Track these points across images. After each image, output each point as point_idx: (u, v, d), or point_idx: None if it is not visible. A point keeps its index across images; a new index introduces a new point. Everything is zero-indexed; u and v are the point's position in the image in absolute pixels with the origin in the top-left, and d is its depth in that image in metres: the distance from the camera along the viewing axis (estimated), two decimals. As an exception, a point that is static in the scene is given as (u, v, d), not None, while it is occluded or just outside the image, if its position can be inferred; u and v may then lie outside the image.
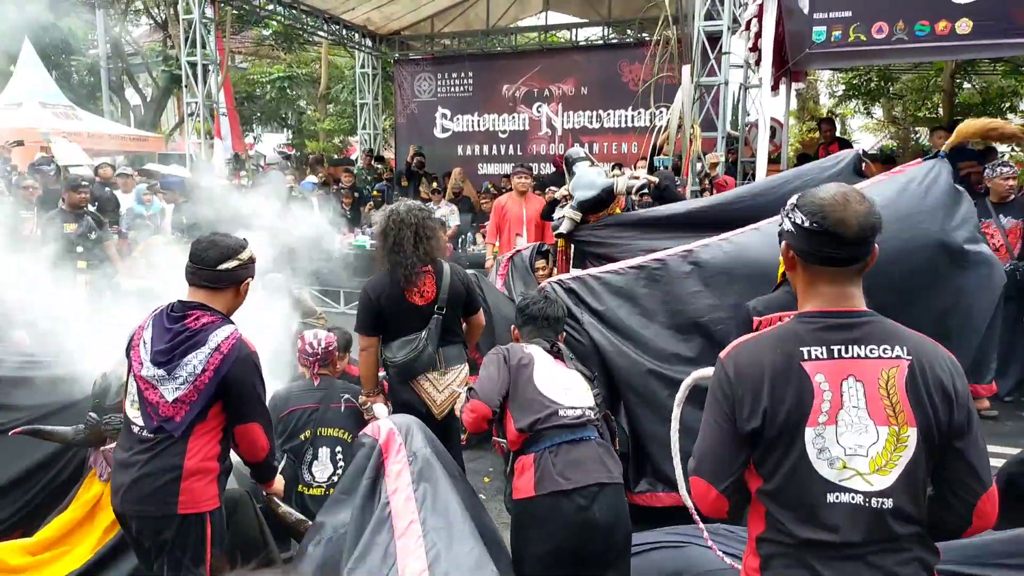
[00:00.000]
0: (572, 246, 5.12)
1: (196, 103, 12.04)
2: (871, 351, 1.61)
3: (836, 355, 1.61)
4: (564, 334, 3.30)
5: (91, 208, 7.59)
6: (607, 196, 4.90)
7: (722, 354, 1.74)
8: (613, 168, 5.73)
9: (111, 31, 19.44)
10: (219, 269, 2.58)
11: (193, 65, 11.86)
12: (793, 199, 1.70)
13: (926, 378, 1.59)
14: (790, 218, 1.69)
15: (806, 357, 1.62)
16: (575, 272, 4.22)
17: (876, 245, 1.64)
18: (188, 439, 2.51)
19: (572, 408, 2.70)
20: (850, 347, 1.62)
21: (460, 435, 3.90)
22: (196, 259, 2.58)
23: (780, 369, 1.62)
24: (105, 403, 3.19)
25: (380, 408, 3.59)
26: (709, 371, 1.82)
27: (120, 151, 14.24)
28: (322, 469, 3.70)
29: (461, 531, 2.48)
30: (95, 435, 3.05)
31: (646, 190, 5.17)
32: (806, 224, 1.63)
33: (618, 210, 5.19)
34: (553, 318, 3.11)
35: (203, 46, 11.78)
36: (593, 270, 4.14)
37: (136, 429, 2.55)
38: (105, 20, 17.90)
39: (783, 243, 1.74)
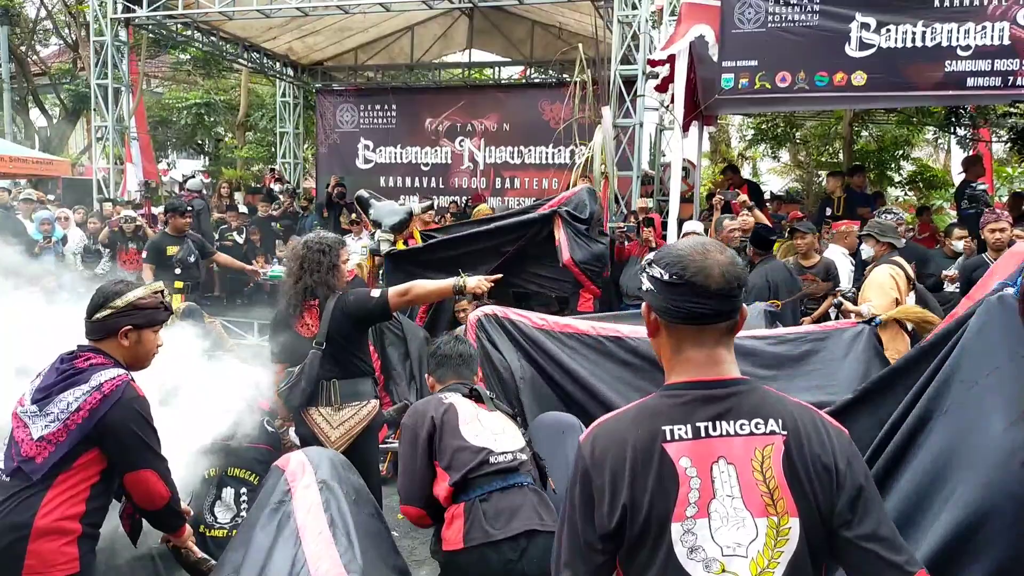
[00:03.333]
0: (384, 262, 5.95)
1: (106, 127, 11.62)
2: (741, 427, 1.37)
3: (703, 434, 1.36)
4: (480, 373, 3.32)
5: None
6: (409, 217, 5.94)
7: (582, 436, 1.49)
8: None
9: (16, 49, 18.60)
10: (92, 320, 2.47)
11: (104, 88, 11.47)
12: (649, 256, 1.51)
13: (804, 456, 1.35)
14: (648, 274, 1.47)
15: (668, 437, 1.36)
16: (503, 310, 4.21)
17: (744, 304, 1.47)
18: (47, 490, 2.28)
19: (503, 453, 2.65)
20: (718, 423, 1.37)
21: (376, 468, 3.83)
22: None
23: (641, 452, 1.37)
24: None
25: (292, 432, 3.51)
26: None
27: (23, 174, 13.54)
28: (225, 510, 3.57)
29: (370, 554, 2.45)
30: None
31: None
32: (665, 277, 1.41)
33: (416, 231, 6.36)
34: (467, 355, 3.09)
35: (115, 68, 11.42)
36: (519, 317, 4.15)
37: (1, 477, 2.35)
38: (10, 38, 17.14)
39: (644, 305, 1.52)
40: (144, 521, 2.67)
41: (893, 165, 15.42)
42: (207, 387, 3.44)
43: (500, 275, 3.79)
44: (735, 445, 1.36)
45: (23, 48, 20.06)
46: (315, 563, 2.33)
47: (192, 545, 2.78)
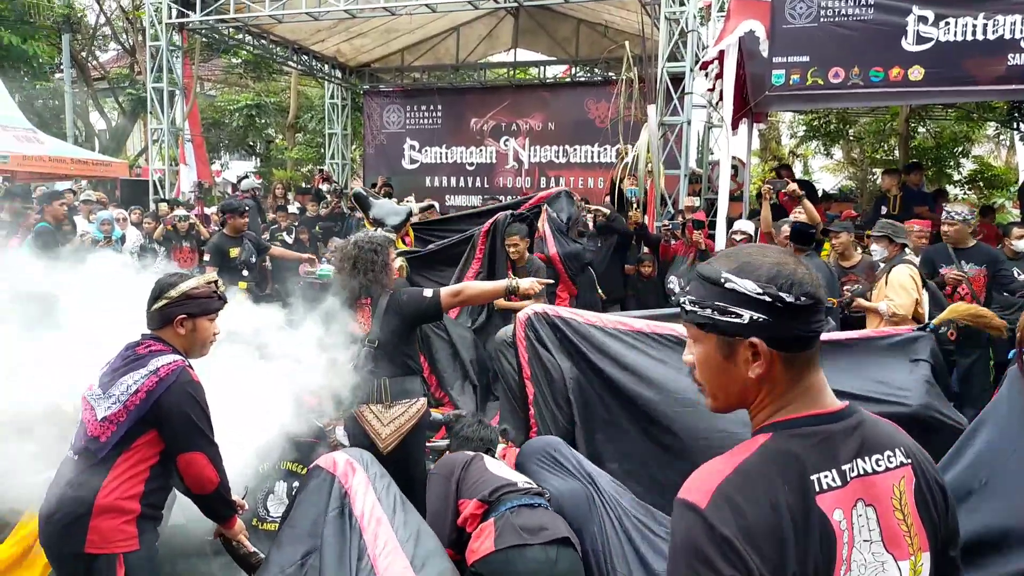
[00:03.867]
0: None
1: (161, 129, 11.94)
2: (878, 462, 1.21)
3: (848, 477, 1.17)
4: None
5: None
6: (408, 217, 6.07)
7: (694, 496, 1.13)
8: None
9: (77, 55, 19.25)
10: (151, 310, 2.62)
11: (159, 92, 11.79)
12: (735, 277, 1.21)
13: (928, 482, 1.26)
14: (763, 299, 1.19)
15: (819, 488, 1.14)
16: (554, 308, 4.19)
17: None
18: (109, 469, 2.42)
19: (527, 483, 2.80)
20: (857, 462, 1.19)
21: (422, 467, 3.86)
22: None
23: (797, 512, 1.11)
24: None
25: (339, 430, 3.57)
26: None
27: (84, 175, 14.02)
28: (277, 504, 3.63)
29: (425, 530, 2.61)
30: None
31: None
32: (791, 299, 1.17)
33: (409, 229, 6.52)
34: (488, 439, 3.22)
35: (170, 72, 11.72)
36: (571, 315, 4.07)
37: (69, 454, 2.51)
38: (72, 44, 17.75)
39: (743, 342, 1.21)
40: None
41: (952, 163, 14.96)
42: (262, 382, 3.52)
43: (550, 280, 3.78)
44: (875, 484, 1.19)
45: (84, 54, 20.75)
46: (373, 543, 2.48)
47: (243, 538, 2.84)
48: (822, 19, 7.27)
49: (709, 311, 1.23)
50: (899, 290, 4.85)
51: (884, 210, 8.76)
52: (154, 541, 2.53)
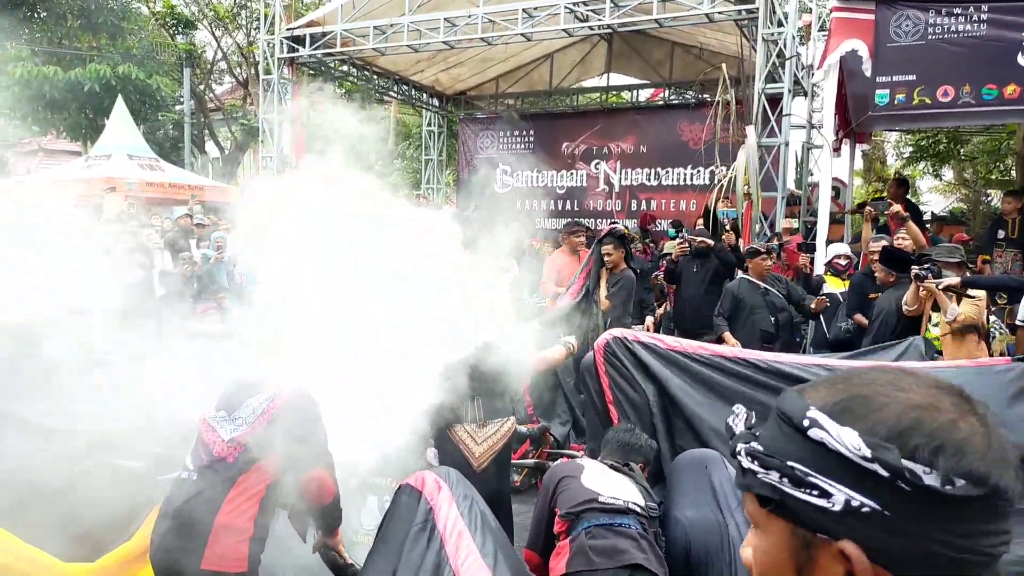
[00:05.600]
0: None
1: (270, 157, 12.61)
2: None
3: None
4: (646, 463, 3.29)
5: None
6: None
7: None
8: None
9: (196, 88, 20.61)
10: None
11: (270, 121, 12.48)
12: (829, 421, 0.71)
13: None
14: (874, 471, 0.68)
15: None
16: (632, 333, 4.18)
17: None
18: (230, 489, 2.51)
19: (613, 497, 2.73)
20: None
21: (509, 482, 3.92)
22: None
23: None
24: (170, 440, 3.34)
25: (431, 452, 3.65)
26: None
27: (200, 200, 14.98)
28: (369, 517, 3.75)
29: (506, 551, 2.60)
30: (160, 471, 3.18)
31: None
32: (936, 482, 0.66)
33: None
34: (637, 446, 3.17)
35: (280, 102, 12.40)
36: (651, 339, 4.04)
37: (184, 475, 2.60)
38: (191, 78, 19.03)
39: (828, 546, 0.71)
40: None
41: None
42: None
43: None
44: None
45: (201, 87, 22.21)
46: (455, 555, 2.51)
47: (342, 549, 2.96)
48: (930, 36, 7.02)
49: (777, 476, 0.73)
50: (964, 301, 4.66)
51: (1002, 234, 8.27)
52: (258, 565, 2.62)
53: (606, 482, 2.82)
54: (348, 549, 3.57)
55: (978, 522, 0.67)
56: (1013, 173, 14.09)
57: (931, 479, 0.65)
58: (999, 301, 6.12)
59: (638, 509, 2.73)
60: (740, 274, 6.45)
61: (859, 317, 5.69)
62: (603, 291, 5.89)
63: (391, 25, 11.33)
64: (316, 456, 2.62)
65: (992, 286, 5.53)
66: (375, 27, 11.40)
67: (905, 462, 0.66)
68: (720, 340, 6.02)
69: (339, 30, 11.67)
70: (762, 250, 6.32)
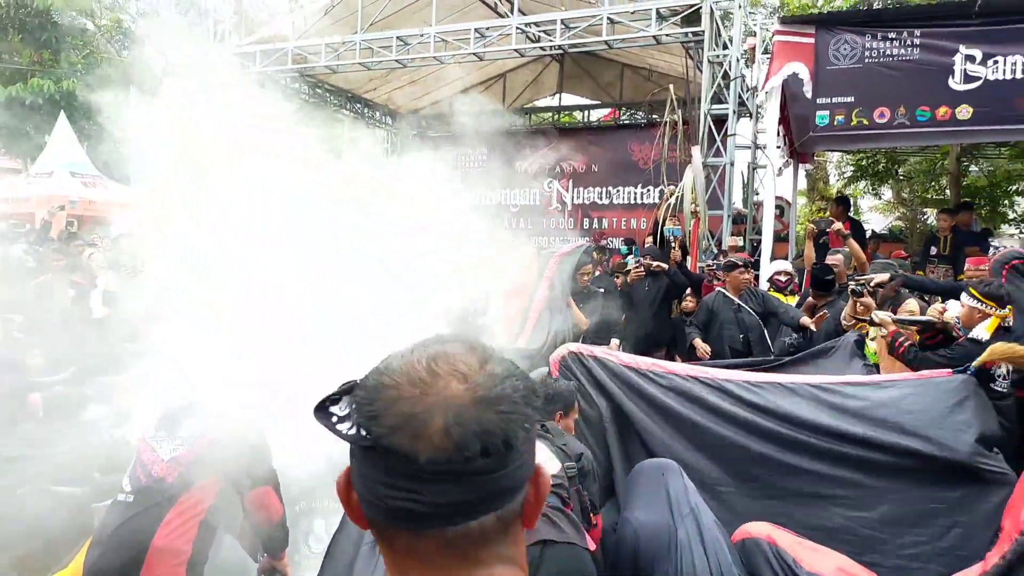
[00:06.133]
0: None
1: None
2: None
3: None
4: (562, 415, 3.30)
5: None
6: None
7: None
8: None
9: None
10: None
11: (218, 139, 12.29)
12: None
13: None
14: (343, 419, 0.83)
15: None
16: (588, 348, 4.19)
17: (525, 484, 0.84)
18: (168, 510, 2.45)
19: None
20: None
21: None
22: None
23: None
24: (110, 465, 3.24)
25: None
26: None
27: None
28: (316, 541, 3.69)
29: None
30: (98, 496, 3.08)
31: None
32: (352, 431, 0.81)
33: None
34: (552, 396, 3.18)
35: (228, 121, 12.22)
36: (605, 355, 4.05)
37: (121, 497, 2.52)
38: (138, 95, 18.66)
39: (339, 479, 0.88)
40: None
41: (1006, 201, 14.59)
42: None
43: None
44: None
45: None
46: None
47: (289, 572, 2.90)
48: (866, 60, 7.29)
49: None
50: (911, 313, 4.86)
51: (934, 251, 8.60)
52: None
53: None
54: (296, 573, 3.51)
55: (375, 471, 0.80)
56: (948, 192, 14.67)
57: (345, 427, 0.81)
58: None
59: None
60: (718, 287, 6.49)
61: (805, 320, 5.74)
62: (575, 308, 5.94)
63: (343, 43, 11.30)
64: (261, 475, 2.59)
65: (925, 288, 5.71)
66: (327, 44, 11.36)
67: (334, 414, 0.83)
68: (692, 347, 6.12)
69: (291, 47, 11.59)
70: (739, 263, 6.25)
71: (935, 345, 4.53)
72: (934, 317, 4.71)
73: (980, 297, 4.28)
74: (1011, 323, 4.05)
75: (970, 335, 4.23)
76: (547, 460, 2.80)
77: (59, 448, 3.79)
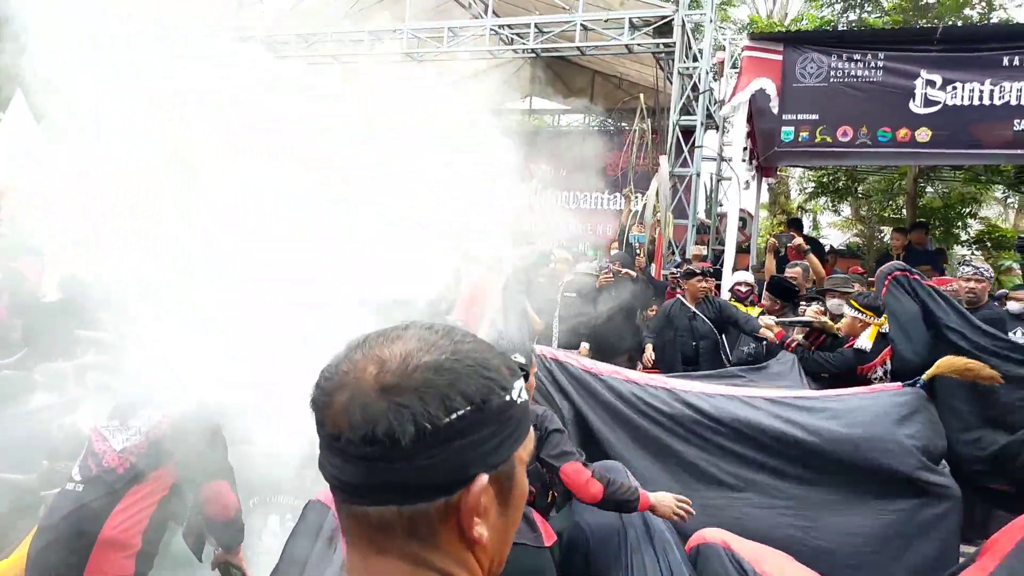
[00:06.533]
0: None
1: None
2: None
3: None
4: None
5: None
6: None
7: None
8: None
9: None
10: None
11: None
12: None
13: None
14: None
15: None
16: (551, 351, 4.21)
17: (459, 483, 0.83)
18: (119, 501, 2.41)
19: None
20: None
21: None
22: None
23: None
24: (60, 452, 3.16)
25: None
26: None
27: None
28: (271, 537, 3.64)
29: None
30: (47, 484, 3.00)
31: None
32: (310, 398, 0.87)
33: None
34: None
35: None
36: (567, 359, 4.09)
37: (70, 487, 2.47)
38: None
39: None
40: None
41: (960, 223, 15.03)
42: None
43: None
44: None
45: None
46: None
47: (244, 565, 2.86)
48: (832, 79, 7.46)
49: None
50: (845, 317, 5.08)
51: (890, 268, 8.80)
52: None
53: None
54: (249, 568, 3.45)
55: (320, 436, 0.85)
56: (904, 211, 15.07)
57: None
58: None
59: None
60: (678, 294, 6.55)
61: (764, 331, 5.79)
62: (531, 311, 5.95)
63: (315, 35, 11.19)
64: (215, 468, 2.55)
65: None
66: (298, 36, 11.24)
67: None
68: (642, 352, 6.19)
69: (260, 37, 11.43)
70: (697, 271, 6.31)
71: (821, 346, 5.05)
72: (812, 317, 5.20)
73: (859, 308, 4.77)
74: (888, 330, 4.35)
75: (856, 346, 4.66)
76: None
77: (5, 434, 3.68)
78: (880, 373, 4.39)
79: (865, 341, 4.64)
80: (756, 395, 3.83)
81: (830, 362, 4.72)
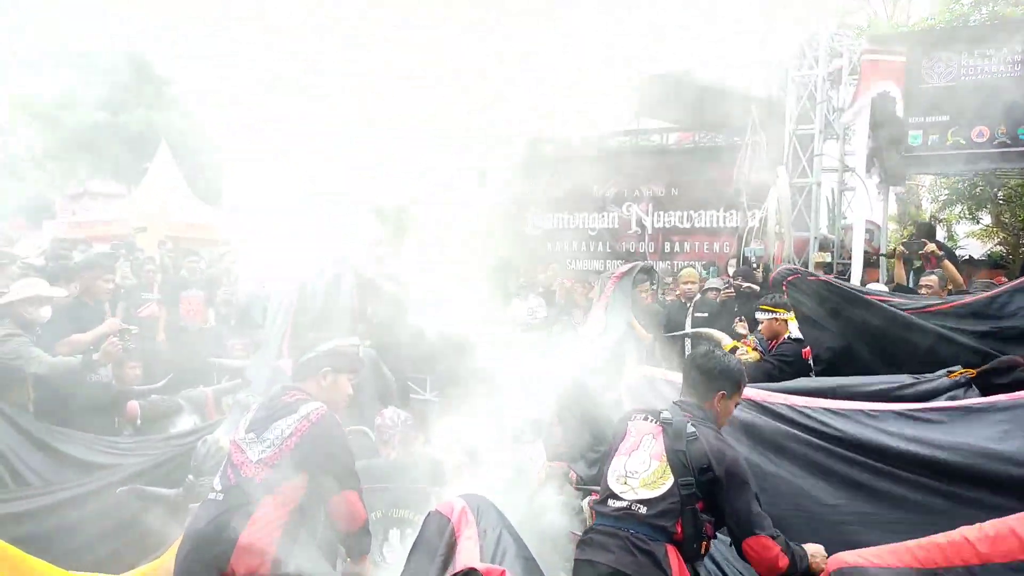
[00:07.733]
0: None
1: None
2: None
3: None
4: (724, 395, 2.91)
5: None
6: None
7: None
8: None
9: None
10: (300, 361, 2.85)
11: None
12: None
13: None
14: None
15: None
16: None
17: None
18: (256, 510, 2.52)
19: (618, 500, 2.71)
20: None
21: None
22: None
23: None
24: (203, 468, 3.38)
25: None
26: None
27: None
28: (391, 551, 3.71)
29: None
30: (192, 497, 3.22)
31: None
32: None
33: None
34: (703, 369, 2.87)
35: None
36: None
37: (211, 496, 2.64)
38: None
39: None
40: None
41: None
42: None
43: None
44: None
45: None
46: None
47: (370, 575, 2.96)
48: (963, 77, 7.03)
49: None
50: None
51: (1039, 276, 8.10)
52: None
53: (625, 469, 2.76)
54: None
55: None
56: (1054, 216, 13.84)
57: None
58: None
59: (643, 510, 2.61)
60: None
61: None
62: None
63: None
64: (344, 480, 2.67)
65: None
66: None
67: None
68: None
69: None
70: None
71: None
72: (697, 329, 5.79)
73: (770, 308, 5.21)
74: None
75: (792, 336, 5.10)
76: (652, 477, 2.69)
77: (154, 452, 3.99)
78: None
79: (796, 331, 5.03)
80: (885, 409, 3.55)
81: (777, 357, 5.03)
